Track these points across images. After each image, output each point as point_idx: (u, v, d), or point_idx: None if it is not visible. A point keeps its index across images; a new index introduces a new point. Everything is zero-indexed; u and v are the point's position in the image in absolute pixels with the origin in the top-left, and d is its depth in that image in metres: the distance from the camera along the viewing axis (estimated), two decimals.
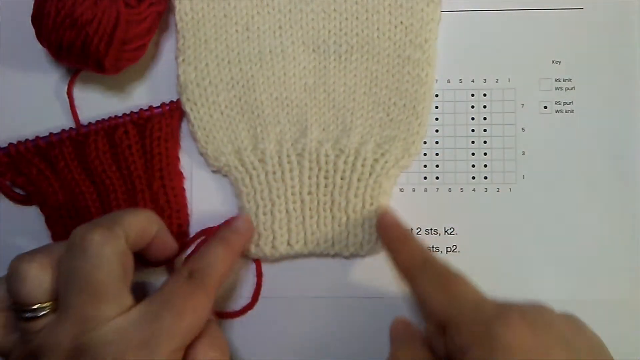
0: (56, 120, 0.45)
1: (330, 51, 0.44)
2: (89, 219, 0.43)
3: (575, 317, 0.34)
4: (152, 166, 0.44)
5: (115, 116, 0.44)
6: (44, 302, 0.34)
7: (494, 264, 0.44)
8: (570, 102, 0.44)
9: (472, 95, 0.45)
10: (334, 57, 0.44)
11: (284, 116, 0.44)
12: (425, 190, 0.45)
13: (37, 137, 0.43)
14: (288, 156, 0.43)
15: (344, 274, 0.44)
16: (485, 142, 0.45)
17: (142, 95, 0.45)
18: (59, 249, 0.35)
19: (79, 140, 0.43)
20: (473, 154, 0.45)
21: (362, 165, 0.43)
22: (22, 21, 0.42)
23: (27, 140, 0.43)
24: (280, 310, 0.44)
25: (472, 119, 0.45)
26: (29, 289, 0.34)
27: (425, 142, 0.45)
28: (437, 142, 0.45)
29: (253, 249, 0.43)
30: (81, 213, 0.43)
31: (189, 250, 0.44)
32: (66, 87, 0.45)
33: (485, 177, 0.45)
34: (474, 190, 0.44)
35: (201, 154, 0.45)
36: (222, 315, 0.44)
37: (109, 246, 0.34)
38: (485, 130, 0.45)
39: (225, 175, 0.45)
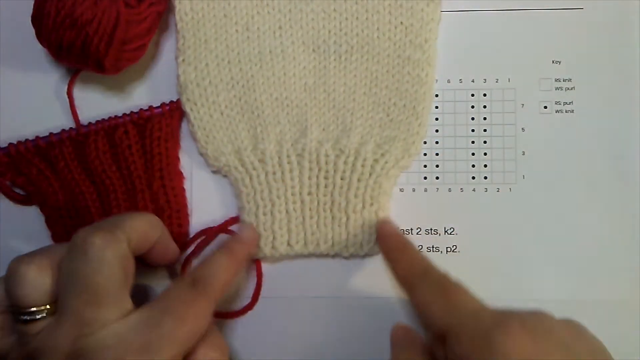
0: (56, 120, 0.45)
1: (330, 51, 0.44)
2: (89, 219, 0.43)
3: (575, 322, 0.34)
4: (152, 166, 0.44)
5: (115, 116, 0.44)
6: (43, 305, 0.34)
7: (494, 264, 0.44)
8: (570, 102, 0.44)
9: (472, 95, 0.45)
10: (334, 57, 0.44)
11: (284, 116, 0.44)
12: (425, 190, 0.45)
13: (37, 137, 0.43)
14: (288, 156, 0.43)
15: (343, 274, 0.44)
16: (485, 142, 0.45)
17: (142, 95, 0.45)
18: (58, 251, 0.35)
19: (79, 140, 0.43)
20: (473, 154, 0.45)
21: (362, 166, 0.43)
22: (22, 21, 0.42)
23: (27, 140, 0.43)
24: (280, 310, 0.44)
25: (472, 119, 0.45)
26: (28, 291, 0.33)
27: (425, 142, 0.45)
28: (437, 142, 0.45)
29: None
30: (81, 213, 0.43)
31: (189, 250, 0.44)
32: (66, 87, 0.45)
33: (485, 177, 0.45)
34: (474, 190, 0.44)
35: (201, 154, 0.45)
36: (222, 315, 0.44)
37: (110, 250, 0.33)
38: (485, 130, 0.45)
39: (225, 176, 0.45)
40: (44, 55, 0.45)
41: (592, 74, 0.44)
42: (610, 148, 0.44)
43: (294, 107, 0.44)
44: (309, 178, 0.43)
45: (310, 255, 0.44)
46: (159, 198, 0.44)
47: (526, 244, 0.44)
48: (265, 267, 0.44)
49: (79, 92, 0.45)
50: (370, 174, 0.43)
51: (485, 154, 0.45)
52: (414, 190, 0.45)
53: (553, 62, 0.45)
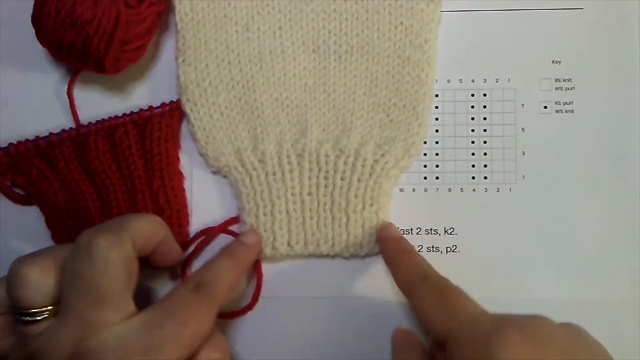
0: (56, 120, 0.45)
1: (330, 51, 0.44)
2: (89, 219, 0.43)
3: (576, 326, 0.34)
4: (152, 166, 0.44)
5: (115, 116, 0.44)
6: (44, 306, 0.34)
7: (494, 264, 0.44)
8: (570, 102, 0.44)
9: (472, 95, 0.45)
10: (334, 58, 0.44)
11: (284, 117, 0.44)
12: (425, 190, 0.45)
13: (37, 137, 0.43)
14: (288, 157, 0.43)
15: (343, 275, 0.44)
16: (485, 142, 0.45)
17: (142, 95, 0.45)
18: (61, 252, 0.35)
19: (79, 140, 0.43)
20: (473, 154, 0.45)
21: (362, 166, 0.43)
22: (22, 21, 0.42)
23: (27, 140, 0.43)
24: (280, 310, 0.44)
25: (472, 119, 0.45)
26: (30, 293, 0.33)
27: (425, 142, 0.45)
28: (437, 142, 0.45)
29: None
30: (81, 213, 0.43)
31: (189, 251, 0.44)
32: (66, 87, 0.45)
33: (485, 177, 0.45)
34: (474, 190, 0.44)
35: (201, 155, 0.45)
36: (222, 315, 0.44)
37: (115, 251, 0.33)
38: (485, 130, 0.45)
39: (225, 176, 0.45)
40: (44, 55, 0.45)
41: (592, 74, 0.44)
42: (610, 148, 0.44)
43: (294, 107, 0.44)
44: (309, 178, 0.43)
45: (310, 255, 0.44)
46: (159, 198, 0.44)
47: (526, 244, 0.44)
48: (265, 267, 0.44)
49: (79, 92, 0.45)
50: (370, 175, 0.43)
51: (485, 154, 0.45)
52: (414, 190, 0.45)
53: (553, 62, 0.45)
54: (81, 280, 0.33)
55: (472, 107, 0.45)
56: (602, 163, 0.44)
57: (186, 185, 0.45)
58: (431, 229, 0.44)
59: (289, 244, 0.43)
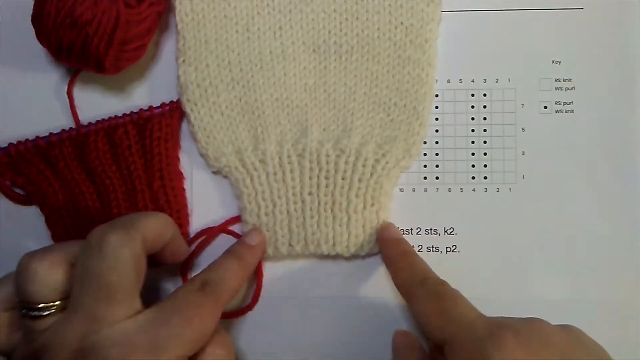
0: (56, 120, 0.45)
1: (330, 51, 0.44)
2: (89, 219, 0.43)
3: (574, 328, 0.34)
4: (152, 166, 0.44)
5: (115, 116, 0.44)
6: (52, 301, 0.34)
7: (494, 264, 0.44)
8: (570, 102, 0.44)
9: (472, 95, 0.45)
10: (334, 58, 0.44)
11: (285, 117, 0.44)
12: (425, 190, 0.45)
13: (37, 137, 0.43)
14: (289, 157, 0.43)
15: (344, 274, 0.44)
16: (485, 142, 0.45)
17: (142, 95, 0.45)
18: (71, 248, 0.35)
19: (79, 140, 0.43)
20: (473, 154, 0.45)
21: (363, 166, 0.43)
22: (22, 21, 0.42)
23: (27, 140, 0.43)
24: (281, 310, 0.44)
25: (472, 119, 0.45)
26: (39, 287, 0.34)
27: (425, 142, 0.45)
28: (437, 142, 0.45)
29: None
30: (81, 213, 0.43)
31: (189, 250, 0.44)
32: (66, 87, 0.45)
33: (485, 177, 0.45)
34: (474, 190, 0.45)
35: (201, 155, 0.45)
36: (223, 315, 0.43)
37: (125, 249, 0.34)
38: (485, 130, 0.45)
39: (225, 176, 0.45)
40: (44, 55, 0.45)
41: (592, 74, 0.44)
42: (610, 148, 0.44)
43: (294, 107, 0.44)
44: (310, 178, 0.43)
45: (311, 255, 0.44)
46: (159, 198, 0.44)
47: (526, 243, 0.44)
48: (265, 267, 0.44)
49: (79, 92, 0.45)
50: (371, 174, 0.43)
51: (485, 154, 0.45)
52: (414, 190, 0.45)
53: (553, 62, 0.45)
54: (92, 277, 0.33)
55: (472, 107, 0.45)
56: (602, 163, 0.44)
57: (186, 185, 0.45)
58: (431, 229, 0.44)
59: (290, 244, 0.43)
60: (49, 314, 0.34)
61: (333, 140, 0.44)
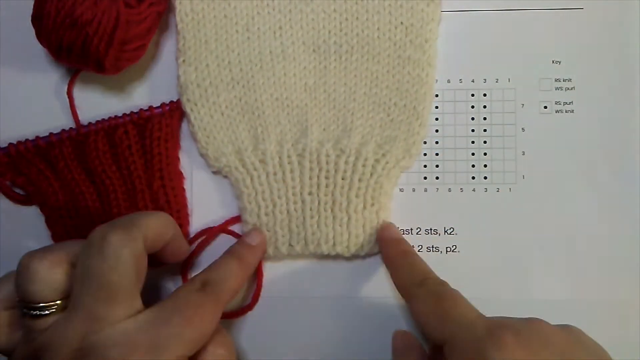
0: (56, 120, 0.45)
1: (330, 51, 0.44)
2: (89, 219, 0.43)
3: (574, 328, 0.34)
4: (152, 166, 0.44)
5: (115, 116, 0.44)
6: (53, 301, 0.34)
7: (494, 264, 0.44)
8: (570, 102, 0.44)
9: (472, 95, 0.45)
10: (334, 58, 0.44)
11: (285, 117, 0.44)
12: (425, 190, 0.45)
13: (37, 137, 0.43)
14: (289, 156, 0.43)
15: (344, 274, 0.44)
16: (485, 142, 0.45)
17: (142, 95, 0.45)
18: (72, 248, 0.35)
19: (79, 140, 0.43)
20: (473, 154, 0.45)
21: (363, 166, 0.43)
22: (22, 21, 0.42)
23: (27, 140, 0.43)
24: (281, 310, 0.44)
25: (472, 119, 0.45)
26: (39, 287, 0.34)
27: (425, 142, 0.45)
28: (437, 142, 0.45)
29: None
30: (81, 213, 0.43)
31: (190, 249, 0.44)
32: (66, 87, 0.45)
33: (485, 177, 0.45)
34: (474, 190, 0.45)
35: (201, 155, 0.45)
36: (223, 315, 0.43)
37: (126, 249, 0.34)
38: (485, 130, 0.45)
39: (225, 176, 0.45)
40: (44, 55, 0.45)
41: (592, 74, 0.44)
42: (610, 148, 0.44)
43: (294, 107, 0.44)
44: (310, 178, 0.43)
45: (311, 255, 0.44)
46: (159, 198, 0.44)
47: (526, 243, 0.44)
48: (265, 267, 0.44)
49: (79, 92, 0.45)
50: (371, 174, 0.43)
51: (485, 154, 0.45)
52: (414, 190, 0.45)
53: (553, 62, 0.45)
54: (93, 276, 0.33)
55: (472, 107, 0.45)
56: (602, 163, 0.44)
57: (186, 185, 0.45)
58: (431, 229, 0.44)
59: (290, 244, 0.43)
60: (49, 313, 0.34)
61: (333, 140, 0.44)
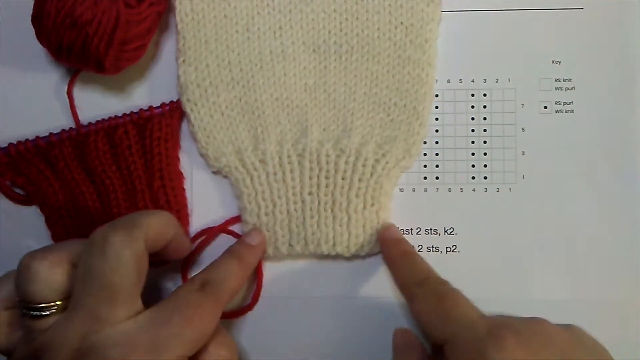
0: (56, 120, 0.45)
1: (330, 51, 0.44)
2: (89, 219, 0.43)
3: (575, 328, 0.34)
4: (152, 166, 0.44)
5: (115, 116, 0.44)
6: (53, 301, 0.34)
7: (494, 264, 0.44)
8: (570, 102, 0.44)
9: (472, 95, 0.45)
10: (334, 58, 0.44)
11: (285, 117, 0.44)
12: (425, 190, 0.45)
13: (37, 137, 0.43)
14: (289, 157, 0.43)
15: (344, 274, 0.44)
16: (485, 142, 0.45)
17: (142, 95, 0.45)
18: (72, 248, 0.35)
19: (79, 140, 0.43)
20: (473, 154, 0.45)
21: (363, 166, 0.43)
22: (22, 21, 0.42)
23: (27, 140, 0.43)
24: (281, 310, 0.44)
25: (472, 119, 0.45)
26: (40, 287, 0.34)
27: (425, 142, 0.45)
28: (437, 142, 0.45)
29: None
30: (81, 213, 0.43)
31: (192, 247, 0.44)
32: (66, 87, 0.45)
33: (485, 177, 0.45)
34: (474, 190, 0.45)
35: (201, 155, 0.45)
36: (223, 315, 0.43)
37: (128, 249, 0.34)
38: (485, 130, 0.45)
39: (225, 176, 0.45)
40: (44, 55, 0.45)
41: (592, 74, 0.44)
42: (610, 148, 0.44)
43: (294, 107, 0.44)
44: (310, 178, 0.43)
45: (311, 255, 0.44)
46: (159, 198, 0.44)
47: (526, 243, 0.44)
48: (265, 267, 0.44)
49: (79, 92, 0.45)
50: (371, 174, 0.43)
51: (485, 154, 0.45)
52: (414, 190, 0.45)
53: (553, 62, 0.45)
54: (94, 277, 0.33)
55: (472, 107, 0.45)
56: (602, 163, 0.44)
57: (186, 185, 0.45)
58: (431, 229, 0.44)
59: (290, 244, 0.43)
60: (49, 313, 0.34)
61: (333, 140, 0.44)
